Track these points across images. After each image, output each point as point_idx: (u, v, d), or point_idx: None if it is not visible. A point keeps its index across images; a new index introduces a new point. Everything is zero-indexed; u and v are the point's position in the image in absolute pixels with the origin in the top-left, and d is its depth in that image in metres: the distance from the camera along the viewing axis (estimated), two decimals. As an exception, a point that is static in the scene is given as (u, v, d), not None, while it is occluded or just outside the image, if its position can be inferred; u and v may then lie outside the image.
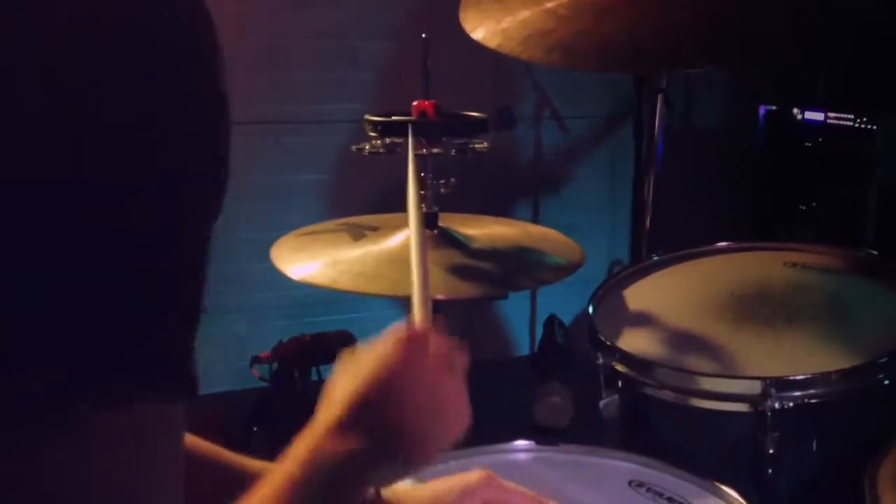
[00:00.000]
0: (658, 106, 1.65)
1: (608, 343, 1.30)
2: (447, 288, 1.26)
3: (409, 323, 0.71)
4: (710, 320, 1.35)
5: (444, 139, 1.33)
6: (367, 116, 1.34)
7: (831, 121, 2.59)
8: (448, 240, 1.37)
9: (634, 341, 1.32)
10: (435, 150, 1.32)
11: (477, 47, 1.42)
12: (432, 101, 1.32)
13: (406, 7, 2.64)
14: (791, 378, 1.15)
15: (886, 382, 1.17)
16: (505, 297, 2.01)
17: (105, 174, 0.36)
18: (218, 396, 2.11)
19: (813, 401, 1.15)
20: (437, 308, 1.45)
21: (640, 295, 1.48)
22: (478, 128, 1.36)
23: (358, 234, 1.40)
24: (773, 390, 1.13)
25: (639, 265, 1.57)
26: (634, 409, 1.32)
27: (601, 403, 1.31)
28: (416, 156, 1.30)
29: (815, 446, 1.23)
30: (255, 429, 1.86)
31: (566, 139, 3.04)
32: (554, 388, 1.90)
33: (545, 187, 3.02)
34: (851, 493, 0.98)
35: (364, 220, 1.50)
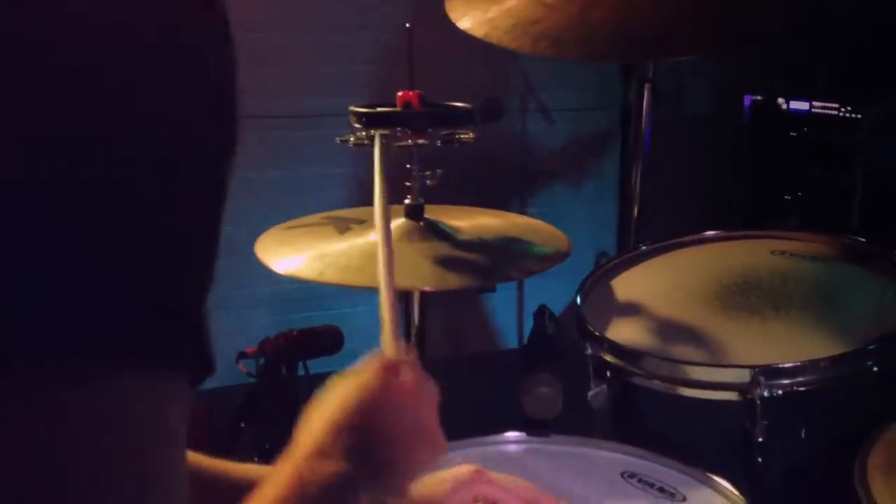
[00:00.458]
0: (645, 96, 1.65)
1: (596, 333, 1.30)
2: (434, 280, 1.25)
3: (382, 352, 0.74)
4: (698, 309, 1.35)
5: (430, 130, 1.32)
6: (352, 108, 1.33)
7: (816, 110, 2.60)
8: (434, 231, 1.36)
9: (623, 331, 1.32)
10: (420, 141, 1.31)
11: (463, 37, 1.41)
12: (418, 91, 1.30)
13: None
14: (780, 366, 1.15)
15: (875, 369, 1.17)
16: (493, 289, 2.01)
17: (104, 133, 0.36)
18: (205, 392, 2.10)
19: (802, 388, 1.15)
20: (426, 302, 1.44)
21: (628, 285, 1.48)
22: (464, 118, 1.34)
23: (343, 228, 1.39)
24: (761, 378, 1.13)
25: (626, 255, 1.57)
26: (623, 400, 1.32)
27: (590, 394, 1.30)
28: (394, 148, 1.29)
29: (804, 434, 1.23)
30: (242, 424, 1.85)
31: (553, 130, 3.03)
32: (543, 380, 1.89)
33: (532, 179, 3.01)
34: (841, 480, 0.98)
35: (349, 213, 1.49)
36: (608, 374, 1.29)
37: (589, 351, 1.30)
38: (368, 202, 1.53)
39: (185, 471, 0.43)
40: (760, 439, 1.14)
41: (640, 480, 1.05)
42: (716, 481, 1.02)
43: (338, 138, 1.35)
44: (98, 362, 0.37)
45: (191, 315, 0.40)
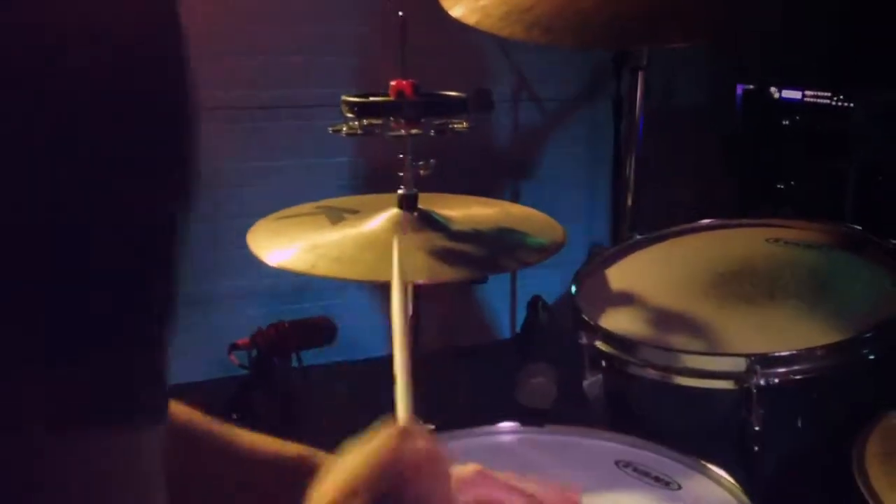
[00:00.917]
0: (639, 84, 1.64)
1: (591, 323, 1.29)
2: (428, 272, 1.24)
3: (396, 418, 0.72)
4: (693, 298, 1.34)
5: (422, 119, 1.31)
6: (344, 97, 1.32)
7: (808, 99, 2.60)
8: (428, 222, 1.34)
9: (618, 321, 1.31)
10: (414, 131, 1.30)
11: (455, 25, 1.40)
12: (411, 80, 1.29)
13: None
14: (776, 354, 1.15)
15: (872, 357, 1.17)
16: (485, 280, 2.00)
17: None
18: (197, 384, 2.09)
19: (798, 377, 1.15)
20: (419, 292, 1.43)
21: (622, 274, 1.47)
22: (458, 107, 1.33)
23: (336, 218, 1.38)
24: (758, 367, 1.13)
25: (621, 245, 1.56)
26: (619, 389, 1.31)
27: (585, 384, 1.30)
28: (392, 137, 1.28)
29: (801, 423, 1.23)
30: (234, 416, 1.84)
31: (545, 120, 3.02)
32: (537, 370, 1.89)
33: (524, 169, 3.01)
34: (838, 469, 0.98)
35: (342, 202, 1.48)
36: (603, 363, 1.28)
37: (584, 340, 1.29)
38: (361, 191, 1.53)
39: None
40: (757, 428, 1.13)
41: (634, 469, 1.04)
42: (711, 469, 1.02)
43: (330, 128, 1.34)
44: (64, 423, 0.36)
45: (154, 366, 0.39)
